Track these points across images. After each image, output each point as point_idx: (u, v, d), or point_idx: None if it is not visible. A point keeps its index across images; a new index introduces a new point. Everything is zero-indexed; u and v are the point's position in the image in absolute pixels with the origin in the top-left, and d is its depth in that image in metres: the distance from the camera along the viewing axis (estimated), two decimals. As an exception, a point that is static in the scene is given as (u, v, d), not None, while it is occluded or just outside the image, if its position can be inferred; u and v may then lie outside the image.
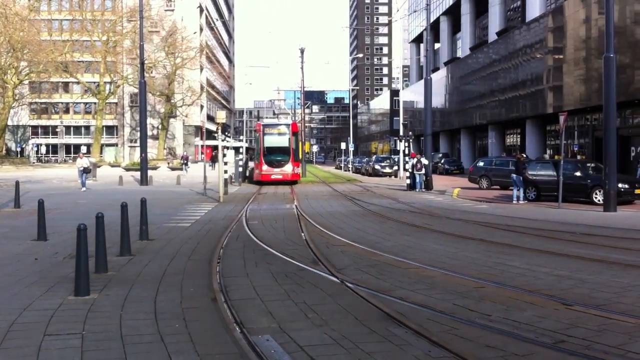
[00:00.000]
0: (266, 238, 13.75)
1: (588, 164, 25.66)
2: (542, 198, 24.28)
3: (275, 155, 36.10)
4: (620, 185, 21.38)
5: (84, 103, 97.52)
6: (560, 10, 39.28)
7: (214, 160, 39.32)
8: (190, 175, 46.82)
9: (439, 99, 62.08)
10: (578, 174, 23.67)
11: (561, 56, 38.44)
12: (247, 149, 66.40)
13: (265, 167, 35.76)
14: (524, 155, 29.57)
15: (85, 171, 31.33)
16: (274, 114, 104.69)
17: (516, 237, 14.07)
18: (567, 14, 37.62)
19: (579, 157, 37.34)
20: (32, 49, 64.60)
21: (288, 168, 35.87)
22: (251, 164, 42.70)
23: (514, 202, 23.98)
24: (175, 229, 15.40)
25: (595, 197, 22.45)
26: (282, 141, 36.35)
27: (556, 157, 36.16)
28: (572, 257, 11.19)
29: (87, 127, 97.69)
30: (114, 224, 13.11)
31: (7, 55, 64.52)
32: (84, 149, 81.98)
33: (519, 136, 50.65)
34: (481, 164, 35.10)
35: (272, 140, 36.53)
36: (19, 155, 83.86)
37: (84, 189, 30.39)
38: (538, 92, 41.78)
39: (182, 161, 57.89)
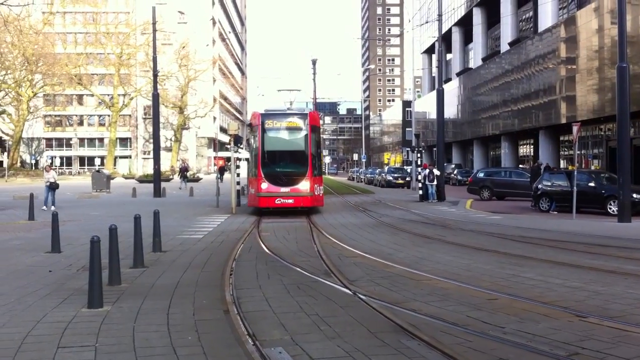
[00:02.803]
0: (278, 249, 13.75)
1: (602, 175, 25.52)
2: (556, 209, 24.16)
3: (283, 165, 23.62)
4: (634, 195, 21.24)
5: (97, 115, 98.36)
6: (573, 20, 39.19)
7: (222, 172, 33.42)
8: (202, 187, 46.96)
9: (451, 110, 61.99)
10: (592, 184, 23.54)
11: (574, 66, 38.32)
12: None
13: (265, 184, 22.54)
14: (542, 163, 29.48)
15: (52, 187, 25.30)
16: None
17: (530, 248, 13.99)
18: (580, 23, 37.53)
19: (592, 167, 37.21)
20: (46, 62, 65.22)
21: (304, 186, 22.66)
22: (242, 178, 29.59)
23: (552, 211, 24.08)
24: (188, 241, 15.43)
25: (610, 208, 22.30)
26: (295, 141, 23.57)
27: (570, 167, 36.04)
28: (586, 268, 11.11)
29: (101, 139, 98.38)
30: (127, 236, 13.16)
31: (22, 68, 65.16)
32: (98, 162, 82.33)
33: (532, 147, 50.45)
34: (481, 174, 34.98)
35: (278, 139, 23.59)
36: (33, 168, 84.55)
37: (45, 207, 24.61)
38: (551, 102, 41.63)
39: (179, 174, 51.07)
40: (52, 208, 23.85)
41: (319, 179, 23.91)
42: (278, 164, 23.57)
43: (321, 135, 25.40)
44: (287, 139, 23.68)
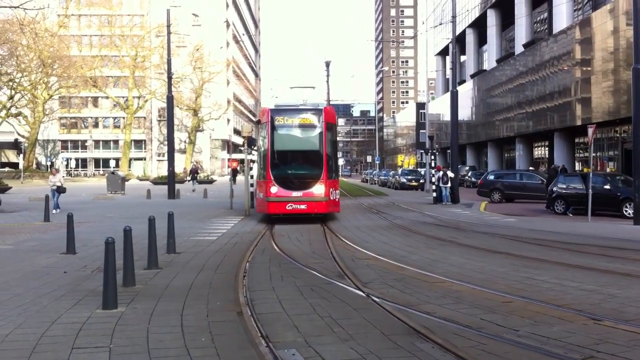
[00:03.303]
0: (292, 251, 13.77)
1: (618, 177, 25.36)
2: (571, 211, 24.03)
3: (295, 167, 21.85)
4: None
5: (112, 117, 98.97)
6: (588, 21, 38.97)
7: (235, 173, 32.92)
8: (216, 189, 47.08)
9: (465, 112, 61.80)
10: (607, 187, 23.38)
11: (589, 68, 38.09)
12: None
13: (274, 188, 20.46)
14: (559, 166, 29.34)
15: (59, 190, 25.13)
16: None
17: (544, 250, 13.91)
18: (595, 25, 37.31)
19: (608, 169, 36.96)
20: (62, 64, 65.69)
21: (318, 190, 20.58)
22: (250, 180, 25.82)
23: (569, 213, 24.11)
24: (202, 242, 15.48)
25: (626, 211, 22.16)
26: (308, 140, 21.69)
27: (585, 169, 35.83)
28: (602, 271, 11.04)
29: (116, 141, 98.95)
30: (141, 237, 13.23)
31: (38, 71, 65.67)
32: (113, 164, 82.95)
33: (546, 149, 50.20)
34: (491, 177, 34.82)
35: (290, 138, 21.71)
36: (48, 169, 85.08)
37: (54, 211, 23.94)
38: (566, 104, 41.40)
39: (189, 175, 49.96)
40: (54, 211, 23.71)
41: (335, 182, 21.59)
42: (289, 166, 21.62)
43: (336, 130, 22.49)
44: (299, 138, 21.65)
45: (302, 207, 20.49)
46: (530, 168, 44.52)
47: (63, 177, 25.86)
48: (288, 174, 21.14)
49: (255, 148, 24.58)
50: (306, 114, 21.50)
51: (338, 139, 23.33)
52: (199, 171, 55.42)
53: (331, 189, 20.93)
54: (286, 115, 21.61)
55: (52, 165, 69.05)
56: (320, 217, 21.11)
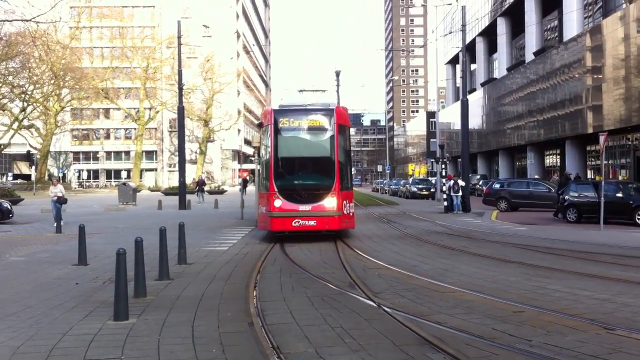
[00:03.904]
0: (303, 261, 13.75)
1: (630, 185, 25.20)
2: (583, 219, 23.90)
3: (303, 176, 18.89)
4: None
5: (124, 128, 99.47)
6: (598, 29, 38.86)
7: (245, 184, 31.77)
8: (227, 199, 47.12)
9: (476, 120, 61.69)
10: (620, 194, 23.23)
11: (600, 75, 37.97)
12: None
13: (279, 201, 17.70)
14: (571, 174, 29.20)
15: (60, 201, 22.71)
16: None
17: (556, 259, 13.83)
18: (605, 32, 37.20)
19: (620, 177, 36.74)
20: (73, 76, 66.16)
21: (330, 203, 17.82)
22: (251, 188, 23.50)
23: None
24: (212, 253, 15.49)
25: (638, 219, 22.01)
26: (318, 145, 18.79)
27: (597, 177, 35.64)
28: (615, 279, 10.96)
29: (127, 152, 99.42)
30: (152, 248, 13.26)
31: (50, 83, 66.14)
32: (125, 175, 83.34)
33: (558, 157, 49.99)
34: (497, 185, 34.70)
35: (296, 142, 18.82)
36: (60, 181, 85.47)
37: (56, 223, 22.26)
38: (577, 112, 41.26)
39: (196, 187, 47.96)
40: (56, 224, 22.17)
41: (348, 194, 18.94)
42: (296, 175, 18.76)
43: (349, 133, 19.59)
44: (307, 142, 18.68)
45: (311, 223, 17.72)
46: (536, 176, 44.32)
47: (75, 187, 25.65)
48: (294, 184, 18.23)
49: (257, 156, 22.53)
50: (315, 115, 18.60)
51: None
52: (206, 182, 54.93)
53: (344, 202, 18.23)
54: (292, 117, 18.60)
55: (51, 176, 69.34)
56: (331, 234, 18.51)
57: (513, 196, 32.25)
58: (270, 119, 18.34)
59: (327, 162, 18.36)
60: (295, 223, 17.64)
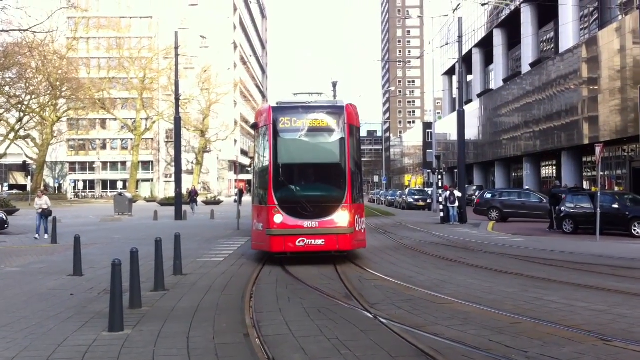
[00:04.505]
0: (299, 272, 13.70)
1: (626, 196, 25.23)
2: (580, 230, 23.91)
3: (307, 187, 16.11)
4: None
5: (120, 139, 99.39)
6: (594, 40, 39.01)
7: (241, 194, 30.88)
8: (223, 210, 47.04)
9: (472, 131, 61.79)
10: (616, 206, 23.26)
11: (596, 86, 38.08)
12: None
13: (279, 217, 14.93)
14: (559, 184, 29.24)
15: (45, 214, 22.91)
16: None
17: (553, 270, 13.82)
18: (601, 44, 37.33)
19: (616, 188, 36.78)
20: (70, 87, 66.19)
21: (340, 218, 15.07)
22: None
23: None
24: (208, 264, 15.44)
25: (634, 230, 22.04)
26: (325, 149, 15.92)
27: (593, 188, 35.68)
28: (611, 291, 10.95)
29: (124, 163, 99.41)
30: (148, 259, 13.21)
31: (46, 93, 66.15)
32: (121, 185, 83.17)
33: (554, 168, 50.07)
34: (488, 195, 34.79)
35: (299, 146, 15.77)
36: (56, 191, 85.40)
37: (36, 236, 22.87)
38: (573, 123, 41.35)
39: (189, 198, 46.43)
40: (46, 236, 22.53)
41: (360, 208, 16.15)
42: (300, 185, 15.93)
43: (358, 135, 16.55)
44: (313, 146, 15.76)
45: (319, 242, 14.90)
46: (526, 187, 44.40)
47: (71, 198, 25.67)
48: (298, 196, 15.39)
49: (250, 164, 20.04)
50: (322, 113, 15.73)
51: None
52: (198, 193, 54.40)
53: (357, 217, 15.50)
54: (294, 115, 15.66)
55: (46, 186, 69.06)
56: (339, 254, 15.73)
57: (505, 206, 32.34)
58: (268, 119, 15.62)
59: (337, 170, 15.61)
60: (299, 242, 14.88)
